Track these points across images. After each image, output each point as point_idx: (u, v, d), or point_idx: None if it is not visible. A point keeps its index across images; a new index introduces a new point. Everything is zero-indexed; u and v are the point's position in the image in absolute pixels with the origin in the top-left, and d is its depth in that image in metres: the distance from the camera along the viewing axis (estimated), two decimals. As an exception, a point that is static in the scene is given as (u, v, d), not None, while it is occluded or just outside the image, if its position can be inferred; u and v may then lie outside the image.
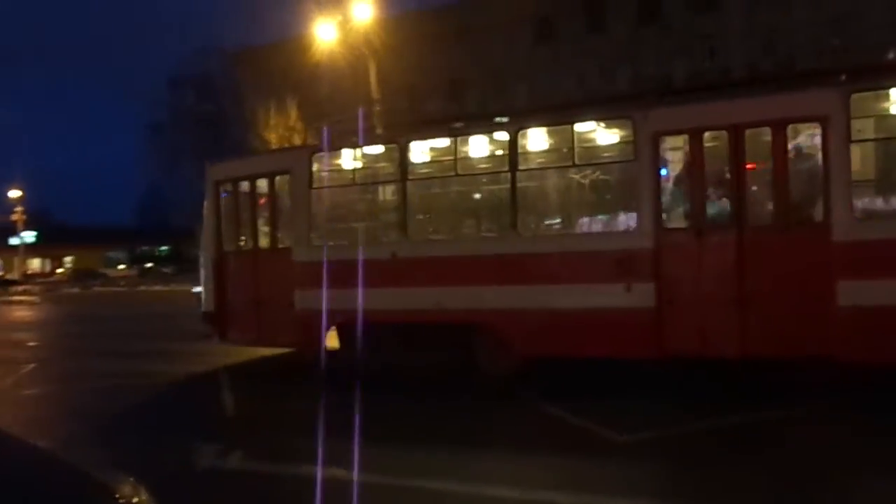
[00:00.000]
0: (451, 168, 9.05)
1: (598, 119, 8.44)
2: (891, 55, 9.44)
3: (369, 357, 9.65)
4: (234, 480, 5.75)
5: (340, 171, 9.97)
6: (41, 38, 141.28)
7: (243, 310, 10.25)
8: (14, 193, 57.78)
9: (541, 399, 7.85)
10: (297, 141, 38.92)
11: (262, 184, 10.20)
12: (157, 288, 40.60)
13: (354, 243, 9.66)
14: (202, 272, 10.88)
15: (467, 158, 9.09)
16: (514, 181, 8.45)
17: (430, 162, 9.36)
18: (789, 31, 39.06)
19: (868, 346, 7.06)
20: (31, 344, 16.35)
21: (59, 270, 69.75)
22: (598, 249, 8.17)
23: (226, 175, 10.72)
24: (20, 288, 48.65)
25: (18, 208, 57.83)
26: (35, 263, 70.33)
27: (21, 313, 28.12)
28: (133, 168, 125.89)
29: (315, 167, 9.66)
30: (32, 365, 12.38)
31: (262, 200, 10.25)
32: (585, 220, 8.77)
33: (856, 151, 7.21)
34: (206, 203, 10.76)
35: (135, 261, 68.47)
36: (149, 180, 71.17)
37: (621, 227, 8.41)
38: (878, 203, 7.43)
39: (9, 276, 57.76)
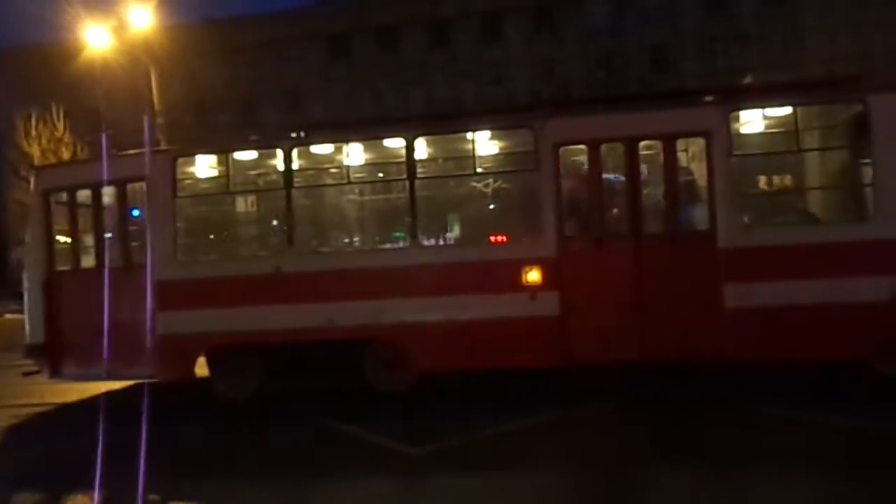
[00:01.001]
0: (342, 175, 8.35)
1: (498, 128, 8.25)
2: (748, 80, 10.35)
3: (245, 382, 8.64)
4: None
5: (212, 177, 8.76)
6: None
7: (84, 339, 8.63)
8: None
9: (333, 418, 7.50)
10: (66, 154, 34.79)
11: (110, 192, 8.70)
12: None
13: (229, 258, 8.58)
14: (26, 296, 9.01)
15: (359, 165, 8.45)
16: (412, 190, 7.99)
17: (318, 169, 8.57)
18: (563, 63, 42.44)
19: (753, 345, 7.56)
20: None
21: None
22: (502, 259, 7.96)
23: (60, 183, 8.96)
24: None
25: None
26: None
27: None
28: None
29: (180, 174, 8.43)
30: None
31: (109, 212, 8.72)
32: (486, 229, 8.53)
33: (736, 164, 7.73)
34: (32, 215, 8.96)
35: None
36: None
37: (522, 236, 8.29)
38: (756, 212, 8.02)
39: None
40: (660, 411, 7.33)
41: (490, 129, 8.22)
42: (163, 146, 12.72)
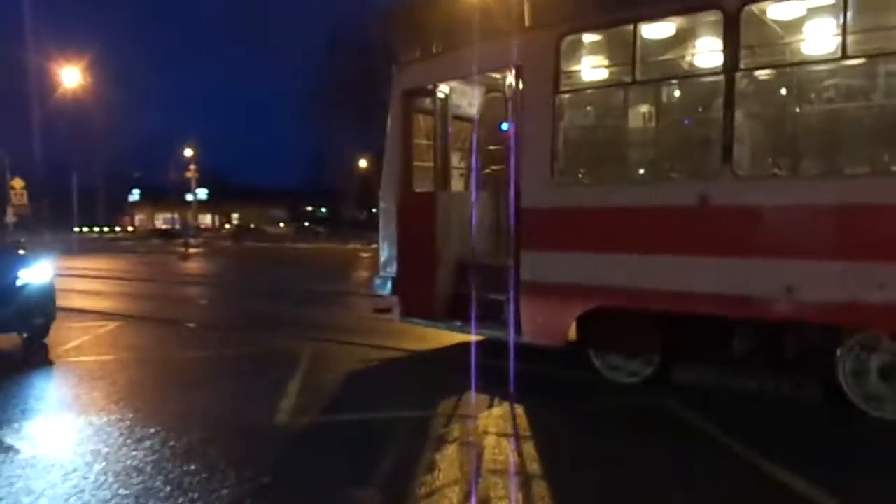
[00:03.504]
0: (830, 46, 4.82)
1: None
2: None
3: (638, 362, 5.82)
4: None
5: (607, 63, 5.93)
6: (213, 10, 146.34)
7: (446, 280, 6.61)
8: (188, 152, 58.66)
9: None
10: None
11: (474, 92, 6.38)
12: (303, 246, 39.58)
13: (627, 180, 5.70)
14: (381, 220, 7.27)
15: (863, 28, 4.80)
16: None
17: (784, 41, 5.16)
18: None
19: None
20: (202, 302, 13.90)
21: (227, 226, 71.16)
22: None
23: (422, 81, 6.92)
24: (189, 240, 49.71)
25: (192, 166, 58.64)
26: (206, 218, 72.08)
27: (192, 265, 26.64)
28: (296, 132, 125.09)
29: (565, 61, 5.72)
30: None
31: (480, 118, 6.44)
32: None
33: None
34: (390, 123, 7.10)
35: (294, 220, 69.08)
36: (310, 144, 70.52)
37: None
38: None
39: (177, 229, 59.41)
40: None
41: None
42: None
